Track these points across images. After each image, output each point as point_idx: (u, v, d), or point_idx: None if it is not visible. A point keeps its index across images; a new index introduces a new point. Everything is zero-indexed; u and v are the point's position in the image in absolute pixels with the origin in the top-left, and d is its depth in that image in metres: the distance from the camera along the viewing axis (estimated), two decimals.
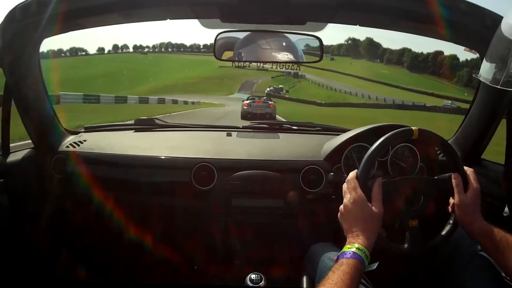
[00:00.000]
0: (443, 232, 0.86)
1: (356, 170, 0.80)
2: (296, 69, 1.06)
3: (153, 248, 1.31)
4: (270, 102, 14.81)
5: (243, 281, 1.19)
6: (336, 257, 0.70)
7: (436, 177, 0.90)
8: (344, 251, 0.68)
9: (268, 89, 56.71)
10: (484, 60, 0.71)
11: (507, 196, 0.99)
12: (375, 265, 0.69)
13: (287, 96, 53.32)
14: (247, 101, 14.68)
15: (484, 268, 0.82)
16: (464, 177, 0.84)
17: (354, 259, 0.66)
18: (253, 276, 1.11)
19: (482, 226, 0.78)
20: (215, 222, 1.16)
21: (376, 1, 0.90)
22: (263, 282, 1.11)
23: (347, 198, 0.76)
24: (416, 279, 1.21)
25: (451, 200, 0.85)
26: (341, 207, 0.77)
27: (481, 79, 0.72)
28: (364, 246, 0.69)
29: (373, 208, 0.74)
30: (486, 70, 0.71)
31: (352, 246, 0.68)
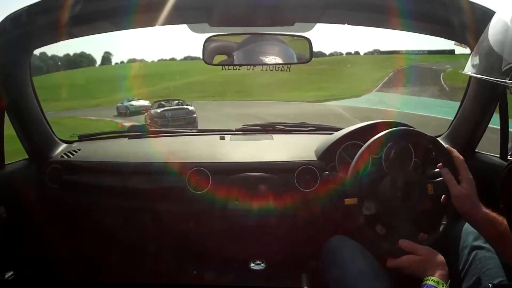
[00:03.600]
0: (441, 228, 0.86)
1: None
2: (287, 70, 1.06)
3: (150, 254, 1.31)
4: (190, 108, 10.55)
5: (241, 284, 1.18)
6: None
7: (430, 171, 0.90)
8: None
9: None
10: (473, 55, 0.68)
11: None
12: None
13: None
14: (158, 110, 10.39)
15: (487, 264, 0.80)
16: (455, 169, 0.84)
17: None
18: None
19: (484, 215, 0.78)
20: (211, 226, 1.15)
21: None
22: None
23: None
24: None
25: (444, 198, 0.85)
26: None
27: (471, 74, 0.68)
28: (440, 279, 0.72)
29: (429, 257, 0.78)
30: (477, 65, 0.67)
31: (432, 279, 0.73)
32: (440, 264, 0.76)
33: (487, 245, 0.81)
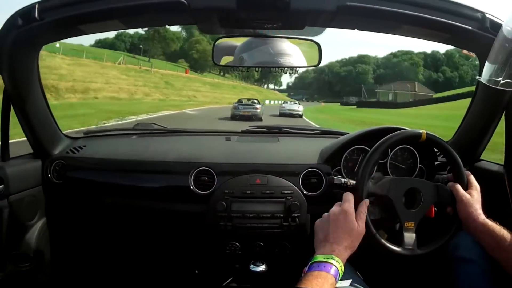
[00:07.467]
0: (442, 237, 0.86)
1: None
2: (295, 73, 1.06)
3: (153, 253, 1.31)
4: (257, 105, 15.63)
5: (242, 284, 1.18)
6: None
7: (437, 179, 0.91)
8: (322, 262, 0.67)
9: None
10: (486, 63, 0.76)
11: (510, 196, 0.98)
12: (347, 284, 0.68)
13: None
14: (236, 104, 16.02)
15: (478, 278, 0.81)
16: (462, 174, 0.86)
17: (333, 276, 0.65)
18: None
19: (484, 223, 0.79)
20: (215, 227, 1.15)
21: (375, 5, 0.90)
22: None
23: (337, 208, 0.77)
24: (414, 283, 1.21)
25: (449, 207, 0.86)
26: (326, 214, 0.77)
27: (482, 80, 0.78)
28: (342, 262, 0.68)
29: (358, 225, 0.74)
30: (487, 72, 0.76)
31: (334, 259, 0.67)
32: (352, 247, 0.71)
33: (479, 260, 0.82)
